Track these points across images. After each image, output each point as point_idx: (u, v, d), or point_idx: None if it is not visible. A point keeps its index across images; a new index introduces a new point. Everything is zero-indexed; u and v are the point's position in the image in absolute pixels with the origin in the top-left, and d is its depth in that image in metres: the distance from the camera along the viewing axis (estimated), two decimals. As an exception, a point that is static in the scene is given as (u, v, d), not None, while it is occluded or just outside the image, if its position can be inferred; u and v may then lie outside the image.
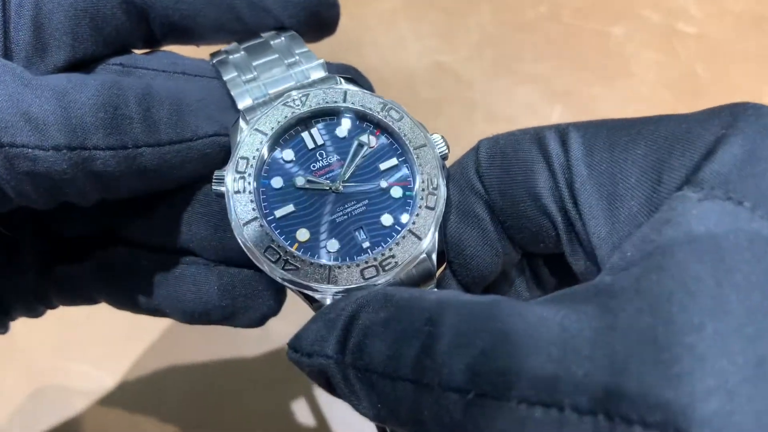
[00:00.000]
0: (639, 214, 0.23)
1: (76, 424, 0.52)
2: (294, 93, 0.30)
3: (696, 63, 0.69)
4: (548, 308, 0.20)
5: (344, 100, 0.30)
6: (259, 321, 0.31)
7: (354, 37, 0.71)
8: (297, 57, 0.32)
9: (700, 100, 0.66)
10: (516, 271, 0.31)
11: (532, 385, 0.19)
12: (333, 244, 0.28)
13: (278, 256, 0.27)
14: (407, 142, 0.30)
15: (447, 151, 0.30)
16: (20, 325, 0.34)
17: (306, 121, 0.30)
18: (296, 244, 0.28)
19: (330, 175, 0.29)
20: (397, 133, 0.30)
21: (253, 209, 0.28)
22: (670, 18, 0.72)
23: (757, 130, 0.22)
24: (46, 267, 0.32)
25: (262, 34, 0.32)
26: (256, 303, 0.30)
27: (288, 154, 0.30)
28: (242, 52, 0.32)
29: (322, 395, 0.52)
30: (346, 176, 0.29)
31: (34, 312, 0.33)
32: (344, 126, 0.30)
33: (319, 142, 0.30)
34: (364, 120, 0.30)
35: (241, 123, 0.29)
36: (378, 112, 0.30)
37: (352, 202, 0.29)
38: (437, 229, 0.29)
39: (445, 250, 0.29)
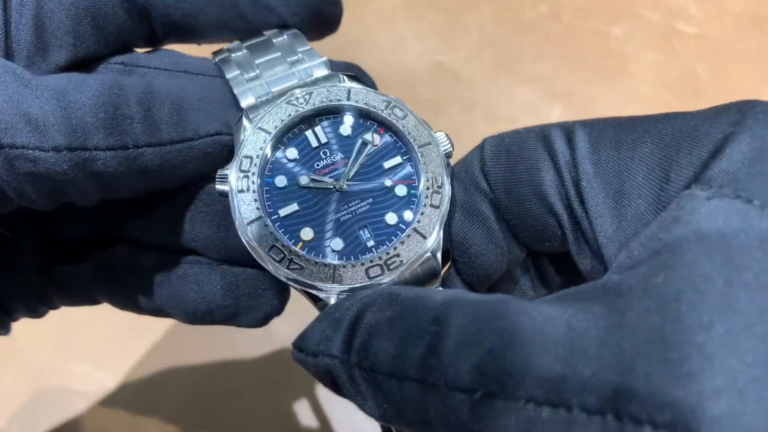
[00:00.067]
0: (646, 213, 0.23)
1: (76, 425, 0.52)
2: (297, 91, 0.30)
3: (696, 63, 0.69)
4: (555, 307, 0.20)
5: (348, 98, 0.30)
6: (263, 320, 0.30)
7: (354, 37, 0.71)
8: (300, 55, 0.31)
9: (700, 100, 0.66)
10: (521, 270, 0.31)
11: (540, 384, 0.19)
12: (337, 243, 0.28)
13: (283, 255, 0.27)
14: (411, 140, 0.30)
15: (451, 149, 0.30)
16: (21, 325, 0.34)
17: (310, 119, 0.30)
18: (300, 243, 0.28)
19: (334, 173, 0.29)
20: (401, 131, 0.30)
21: (257, 208, 0.28)
22: (670, 18, 0.72)
23: (766, 127, 0.22)
24: (47, 267, 0.32)
25: (265, 32, 0.32)
26: (260, 302, 0.30)
27: (292, 152, 0.29)
28: (245, 51, 0.32)
29: (323, 395, 0.52)
30: (350, 175, 0.29)
31: (36, 312, 0.33)
32: (348, 124, 0.30)
33: (323, 140, 0.30)
34: (367, 118, 0.30)
35: (245, 121, 0.29)
36: (382, 110, 0.30)
37: (357, 201, 0.29)
38: (442, 227, 0.29)
39: (449, 248, 0.29)
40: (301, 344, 0.26)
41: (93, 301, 0.33)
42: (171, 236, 0.30)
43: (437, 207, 0.29)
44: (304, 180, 0.29)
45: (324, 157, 0.30)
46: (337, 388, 0.25)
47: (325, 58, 0.32)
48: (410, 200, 0.29)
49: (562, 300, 0.21)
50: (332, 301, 0.27)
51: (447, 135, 0.30)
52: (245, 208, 0.28)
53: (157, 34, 0.32)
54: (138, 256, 0.30)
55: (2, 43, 0.28)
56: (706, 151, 0.22)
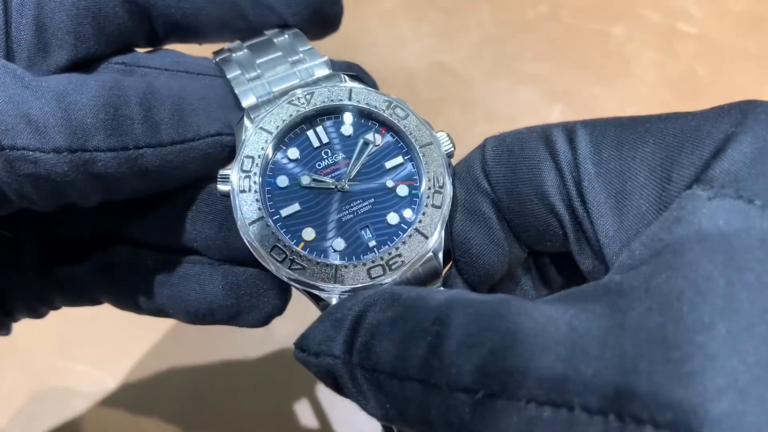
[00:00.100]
0: (648, 213, 0.23)
1: (76, 425, 0.52)
2: (299, 91, 0.30)
3: (696, 63, 0.69)
4: (556, 307, 0.20)
5: (349, 98, 0.30)
6: (265, 320, 0.30)
7: (354, 37, 0.71)
8: (301, 55, 0.31)
9: (700, 100, 0.66)
10: (522, 270, 0.31)
11: (541, 384, 0.19)
12: (339, 243, 0.28)
13: (284, 255, 0.27)
14: (413, 141, 0.30)
15: (453, 149, 0.30)
16: (21, 325, 0.34)
17: (311, 119, 0.30)
18: (302, 244, 0.28)
19: (335, 173, 0.29)
20: (402, 132, 0.30)
21: (259, 208, 0.28)
22: (670, 18, 0.72)
23: (767, 127, 0.22)
24: (48, 267, 0.32)
25: (266, 32, 0.32)
26: (261, 302, 0.30)
27: (293, 152, 0.29)
28: (245, 50, 0.31)
29: (323, 395, 0.52)
30: (352, 175, 0.29)
31: (36, 313, 0.33)
32: (349, 124, 0.30)
33: (325, 140, 0.30)
34: (369, 118, 0.30)
35: (246, 121, 0.29)
36: (383, 111, 0.30)
37: (358, 201, 0.29)
38: (444, 227, 0.29)
39: (451, 248, 0.29)
40: (303, 344, 0.26)
41: (94, 301, 0.33)
42: (172, 236, 0.30)
43: (439, 207, 0.29)
44: (305, 180, 0.29)
45: (325, 157, 0.30)
46: (338, 388, 0.25)
47: (326, 58, 0.32)
48: (412, 200, 0.29)
49: (564, 300, 0.21)
50: (334, 301, 0.27)
51: (448, 135, 0.30)
52: (247, 208, 0.28)
53: (158, 34, 0.32)
54: (139, 256, 0.30)
55: (3, 43, 0.28)
56: (707, 151, 0.22)
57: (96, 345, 0.54)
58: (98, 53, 0.30)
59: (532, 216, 0.27)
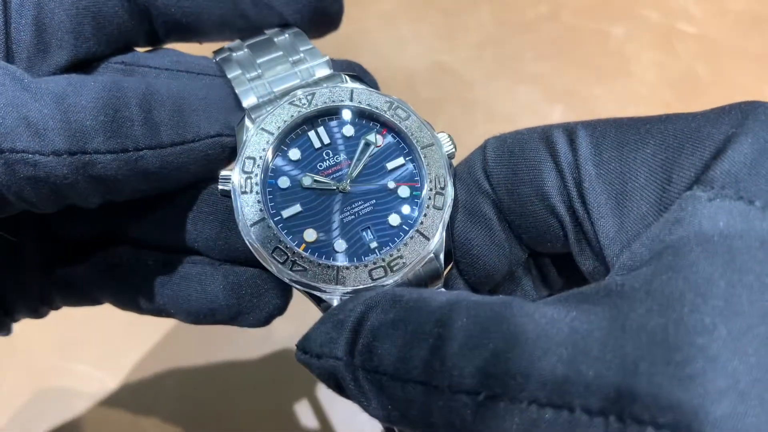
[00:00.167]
0: (648, 214, 0.23)
1: (76, 425, 0.52)
2: (300, 92, 0.30)
3: (696, 63, 0.69)
4: (558, 309, 0.20)
5: (351, 99, 0.30)
6: (266, 320, 0.30)
7: (354, 38, 0.71)
8: (302, 54, 0.31)
9: (701, 100, 0.66)
10: (523, 271, 0.31)
11: (543, 386, 0.19)
12: (341, 245, 0.28)
13: (286, 257, 0.27)
14: (414, 142, 0.30)
15: (454, 150, 0.30)
16: (21, 325, 0.34)
17: (312, 120, 0.30)
18: (304, 245, 0.28)
19: (337, 174, 0.29)
20: (404, 132, 0.30)
21: (260, 210, 0.28)
22: (670, 18, 0.72)
23: (767, 128, 0.22)
24: (49, 268, 0.31)
25: (266, 31, 0.32)
26: (262, 302, 0.30)
27: (294, 153, 0.29)
28: (246, 50, 0.31)
29: (323, 396, 0.52)
30: (353, 176, 0.29)
31: (37, 313, 0.33)
32: (351, 125, 0.30)
33: (326, 141, 0.30)
34: (370, 119, 0.30)
35: (247, 122, 0.29)
36: (385, 111, 0.30)
37: (360, 202, 0.29)
38: (445, 229, 0.29)
39: (452, 249, 0.29)
40: (304, 346, 0.26)
41: (95, 301, 0.33)
42: (173, 236, 0.30)
43: (440, 209, 0.29)
44: (307, 181, 0.29)
45: (327, 158, 0.30)
46: (340, 389, 0.25)
47: (327, 58, 0.32)
48: (413, 202, 0.29)
49: (565, 302, 0.21)
50: (335, 302, 0.27)
51: (450, 136, 0.30)
52: (248, 209, 0.28)
53: (158, 33, 0.32)
54: (140, 257, 0.30)
55: (2, 44, 0.28)
56: (707, 152, 0.22)
57: (96, 345, 0.54)
58: (98, 53, 0.30)
59: (533, 217, 0.27)
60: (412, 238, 0.28)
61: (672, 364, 0.17)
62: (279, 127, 0.29)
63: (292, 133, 0.30)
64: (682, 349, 0.17)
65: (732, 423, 0.16)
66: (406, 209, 0.29)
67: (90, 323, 0.54)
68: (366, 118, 0.30)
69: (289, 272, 0.27)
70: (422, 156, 0.29)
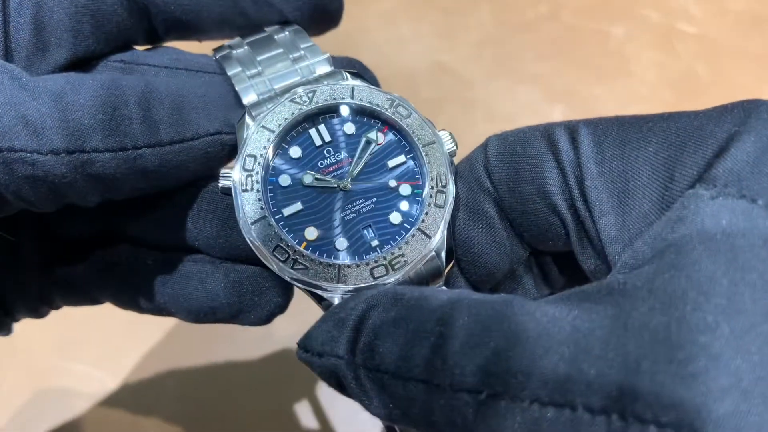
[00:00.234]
0: (650, 213, 0.23)
1: (76, 425, 0.51)
2: (300, 89, 0.30)
3: (696, 63, 0.69)
4: (560, 308, 0.20)
5: (352, 97, 0.30)
6: (267, 318, 0.30)
7: (354, 38, 0.70)
8: (302, 51, 0.31)
9: (701, 99, 0.66)
10: (524, 269, 0.31)
11: (545, 385, 0.19)
12: (342, 243, 0.28)
13: (287, 255, 0.27)
14: (416, 139, 0.30)
15: (455, 148, 0.30)
16: (21, 325, 0.34)
17: (313, 117, 0.30)
18: (305, 243, 0.28)
19: (338, 172, 0.29)
20: (405, 130, 0.30)
21: (261, 208, 0.28)
22: (670, 18, 0.72)
23: None
24: (49, 267, 0.31)
25: (266, 29, 0.32)
26: (264, 300, 0.30)
27: (295, 151, 0.29)
28: (246, 47, 0.31)
29: (324, 395, 0.52)
30: (355, 173, 0.29)
31: (37, 313, 0.33)
32: (352, 123, 0.30)
33: (327, 139, 0.30)
34: (371, 117, 0.30)
35: (247, 119, 0.29)
36: (386, 109, 0.30)
37: (361, 200, 0.29)
38: (446, 227, 0.29)
39: (453, 247, 0.29)
40: (306, 344, 0.26)
41: (95, 300, 0.32)
42: (173, 235, 0.30)
43: (442, 207, 0.29)
44: (308, 179, 0.29)
45: (328, 155, 0.29)
46: (342, 388, 0.25)
47: (327, 55, 0.32)
48: (414, 200, 0.29)
49: (567, 300, 0.21)
50: (336, 300, 0.27)
51: (451, 134, 0.30)
52: (249, 207, 0.28)
53: (158, 31, 0.32)
54: (140, 255, 0.30)
55: (1, 43, 0.27)
56: (710, 150, 0.22)
57: (96, 345, 0.54)
58: (97, 51, 0.30)
59: (534, 215, 0.27)
60: (413, 236, 0.28)
61: (674, 363, 0.17)
62: (280, 125, 0.29)
63: (293, 131, 0.30)
64: (684, 348, 0.17)
65: (734, 421, 0.16)
66: (407, 207, 0.29)
67: (90, 323, 0.53)
68: (367, 116, 0.30)
69: (290, 270, 0.27)
70: (423, 154, 0.29)
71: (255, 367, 0.54)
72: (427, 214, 0.29)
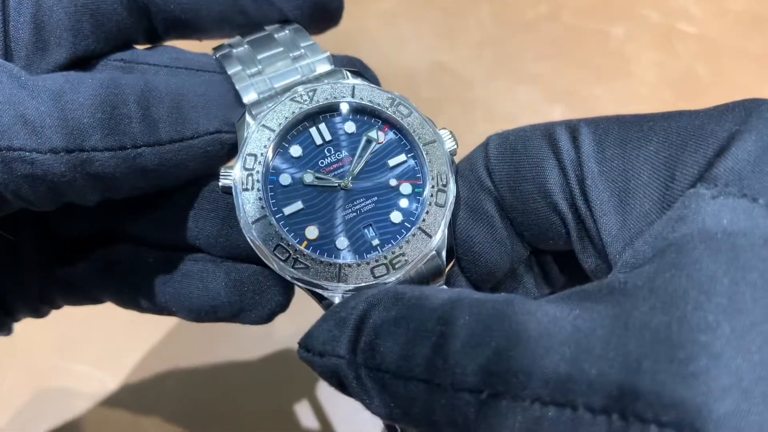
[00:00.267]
0: (651, 212, 0.23)
1: (76, 425, 0.51)
2: (300, 88, 0.30)
3: (696, 63, 0.69)
4: (561, 307, 0.20)
5: (352, 95, 0.30)
6: (268, 317, 0.30)
7: (354, 37, 0.70)
8: (302, 50, 0.31)
9: (701, 99, 0.66)
10: (525, 268, 0.31)
11: (545, 384, 0.19)
12: (342, 242, 0.28)
13: (288, 254, 0.27)
14: (416, 138, 0.30)
15: (456, 146, 0.30)
16: (21, 325, 0.34)
17: (314, 116, 0.30)
18: (305, 242, 0.28)
19: (338, 171, 0.29)
20: (406, 129, 0.30)
21: (262, 207, 0.28)
22: (670, 18, 0.72)
23: None
24: (49, 267, 0.31)
25: (266, 27, 0.32)
26: (264, 299, 0.30)
27: (296, 150, 0.29)
28: (246, 46, 0.31)
29: (324, 395, 0.52)
30: (355, 172, 0.29)
31: (38, 312, 0.33)
32: (352, 121, 0.30)
33: (327, 138, 0.30)
34: (372, 115, 0.30)
35: (248, 118, 0.29)
36: (387, 108, 0.30)
37: (361, 199, 0.29)
38: (447, 226, 0.28)
39: (454, 246, 0.29)
40: (307, 344, 0.26)
41: (96, 300, 0.32)
42: (174, 234, 0.30)
43: (442, 206, 0.29)
44: (308, 178, 0.29)
45: (328, 154, 0.29)
46: (343, 387, 0.25)
47: (327, 53, 0.32)
48: (415, 199, 0.29)
49: (568, 299, 0.21)
50: (337, 300, 0.27)
51: (451, 133, 0.30)
52: (250, 206, 0.28)
53: (158, 30, 0.32)
54: (141, 254, 0.30)
55: (1, 42, 0.27)
56: (711, 149, 0.22)
57: (96, 345, 0.54)
58: (97, 50, 0.30)
59: (535, 214, 0.27)
60: (414, 235, 0.28)
61: (675, 362, 0.17)
62: (280, 124, 0.29)
63: (294, 130, 0.29)
64: (685, 347, 0.17)
65: (735, 421, 0.16)
66: (407, 206, 0.29)
67: (90, 322, 0.53)
68: (368, 115, 0.30)
69: (291, 270, 0.27)
70: (424, 153, 0.29)
71: (255, 367, 0.54)
72: (427, 213, 0.29)
